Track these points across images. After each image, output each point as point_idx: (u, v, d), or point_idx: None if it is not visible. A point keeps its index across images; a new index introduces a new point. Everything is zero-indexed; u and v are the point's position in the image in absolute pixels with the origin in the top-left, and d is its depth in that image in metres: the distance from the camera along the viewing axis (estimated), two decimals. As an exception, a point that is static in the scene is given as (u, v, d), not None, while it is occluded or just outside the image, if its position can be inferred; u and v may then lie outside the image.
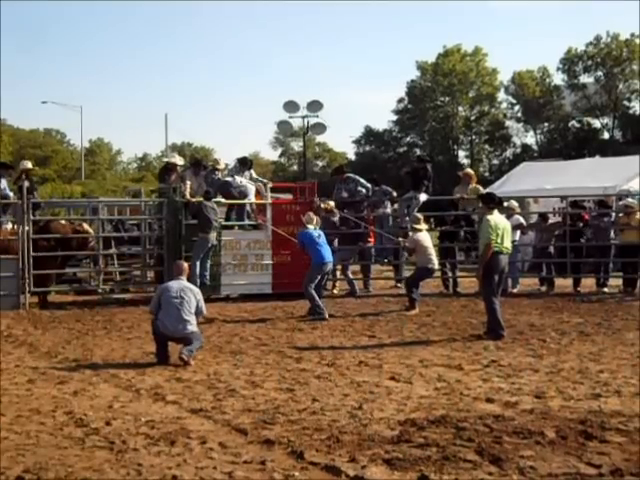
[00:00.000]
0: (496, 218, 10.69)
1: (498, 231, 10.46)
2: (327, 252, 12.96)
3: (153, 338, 9.16)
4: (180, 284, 9.23)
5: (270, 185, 16.84)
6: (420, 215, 14.10)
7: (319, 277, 12.84)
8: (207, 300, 10.05)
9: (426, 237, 13.55)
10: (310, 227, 13.06)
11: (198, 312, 9.18)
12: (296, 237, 13.77)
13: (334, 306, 13.80)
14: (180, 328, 8.93)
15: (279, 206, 16.02)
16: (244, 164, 16.60)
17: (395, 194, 17.16)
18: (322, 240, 12.99)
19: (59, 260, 14.85)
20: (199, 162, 17.21)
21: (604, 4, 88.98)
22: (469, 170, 18.59)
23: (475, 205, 15.01)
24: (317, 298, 12.61)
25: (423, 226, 13.65)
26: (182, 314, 8.95)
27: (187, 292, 9.11)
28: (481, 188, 17.23)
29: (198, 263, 14.13)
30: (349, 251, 16.67)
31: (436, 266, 13.83)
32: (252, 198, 15.81)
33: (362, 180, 17.04)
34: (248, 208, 15.89)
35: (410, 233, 14.75)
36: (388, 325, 11.79)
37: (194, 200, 14.79)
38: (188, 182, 15.37)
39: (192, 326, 9.04)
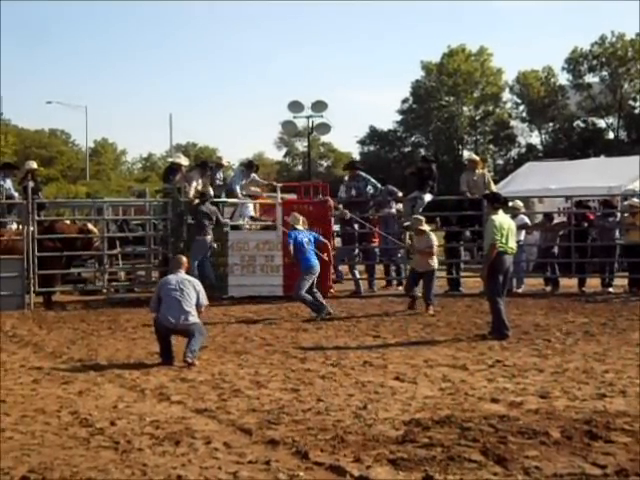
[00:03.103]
0: (501, 218, 10.66)
1: (503, 231, 10.44)
2: (314, 257, 12.69)
3: (156, 337, 9.13)
4: (179, 277, 9.19)
5: (280, 186, 16.86)
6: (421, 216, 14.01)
7: (310, 282, 12.56)
8: (210, 298, 9.98)
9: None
10: (299, 227, 12.79)
11: (199, 304, 9.09)
12: (287, 237, 13.14)
13: (339, 306, 13.78)
14: (182, 319, 8.86)
15: (290, 206, 15.63)
16: (249, 168, 16.78)
17: (400, 194, 17.11)
18: (311, 245, 12.71)
19: (64, 260, 14.87)
20: (205, 163, 17.28)
21: (609, 4, 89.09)
22: (474, 156, 18.42)
23: (482, 191, 14.98)
24: (311, 298, 12.44)
25: (427, 226, 13.61)
26: (183, 305, 8.89)
27: (186, 284, 9.07)
28: (487, 173, 17.19)
29: (196, 264, 14.10)
30: (348, 250, 16.61)
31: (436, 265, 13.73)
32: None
33: (372, 180, 16.97)
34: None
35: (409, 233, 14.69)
36: (393, 325, 11.78)
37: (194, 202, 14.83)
38: (194, 183, 15.43)
39: (193, 317, 8.97)
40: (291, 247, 12.54)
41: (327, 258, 13.24)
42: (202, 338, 9.10)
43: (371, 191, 16.75)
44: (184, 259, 9.76)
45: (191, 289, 9.05)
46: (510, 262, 10.69)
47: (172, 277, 9.25)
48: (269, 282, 14.95)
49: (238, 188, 16.61)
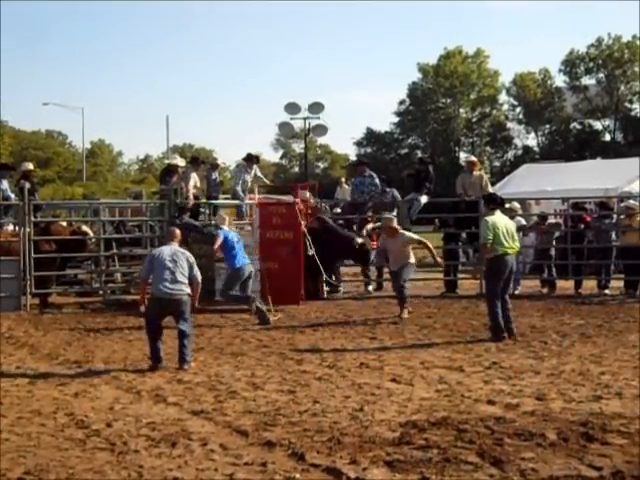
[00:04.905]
0: (495, 218, 10.62)
1: (497, 231, 10.40)
2: (243, 257, 12.60)
3: (148, 337, 8.95)
4: (172, 249, 9.06)
5: (262, 186, 16.87)
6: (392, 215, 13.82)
7: (238, 284, 12.46)
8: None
9: None
10: (225, 228, 12.72)
11: (193, 275, 8.92)
12: (216, 235, 12.86)
13: (335, 308, 13.80)
14: (176, 289, 8.73)
15: (266, 208, 15.06)
16: (250, 161, 16.94)
17: (400, 198, 17.03)
18: (240, 245, 12.66)
19: (58, 262, 14.83)
20: (197, 158, 17.92)
21: (606, 5, 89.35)
22: (472, 157, 18.55)
23: (479, 192, 14.98)
24: (238, 294, 12.43)
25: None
26: (177, 276, 8.77)
27: (180, 255, 8.95)
28: (485, 175, 17.20)
29: None
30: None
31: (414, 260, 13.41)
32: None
33: (377, 180, 16.94)
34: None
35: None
36: (389, 327, 11.77)
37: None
38: (191, 181, 15.49)
39: (187, 289, 8.86)
40: (219, 241, 12.53)
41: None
42: (190, 338, 8.95)
43: (372, 190, 16.68)
44: (178, 231, 9.62)
45: (184, 261, 8.92)
46: (512, 263, 10.65)
47: (165, 248, 9.13)
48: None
49: (239, 188, 16.60)
